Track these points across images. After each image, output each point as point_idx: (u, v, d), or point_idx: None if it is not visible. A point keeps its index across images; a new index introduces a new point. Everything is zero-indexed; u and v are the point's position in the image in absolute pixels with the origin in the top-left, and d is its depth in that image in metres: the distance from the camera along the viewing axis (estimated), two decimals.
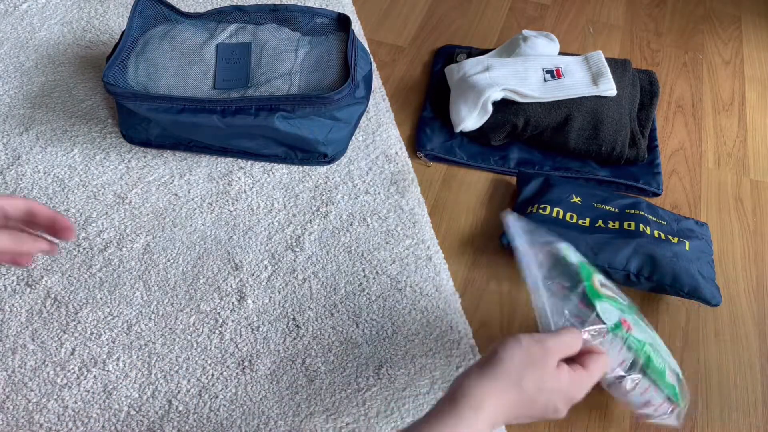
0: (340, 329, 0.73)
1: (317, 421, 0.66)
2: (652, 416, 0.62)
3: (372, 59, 0.98)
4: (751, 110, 1.03)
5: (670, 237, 0.77)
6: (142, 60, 0.85)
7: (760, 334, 0.77)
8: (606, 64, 0.94)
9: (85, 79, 0.97)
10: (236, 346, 0.71)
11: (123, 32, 0.88)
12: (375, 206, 0.84)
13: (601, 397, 0.71)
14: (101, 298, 0.74)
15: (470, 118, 0.90)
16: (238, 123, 0.81)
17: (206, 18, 0.92)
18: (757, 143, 0.99)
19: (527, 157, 0.92)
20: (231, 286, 0.76)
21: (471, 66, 0.95)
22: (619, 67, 0.96)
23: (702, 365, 0.74)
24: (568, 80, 0.92)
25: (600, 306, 0.56)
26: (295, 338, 0.72)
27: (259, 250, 0.79)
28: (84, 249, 0.78)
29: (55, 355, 0.69)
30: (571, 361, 0.54)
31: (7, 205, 0.52)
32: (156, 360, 0.70)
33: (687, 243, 0.77)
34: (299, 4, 1.02)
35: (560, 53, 1.01)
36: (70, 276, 0.75)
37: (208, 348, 0.71)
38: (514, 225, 0.60)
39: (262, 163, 0.88)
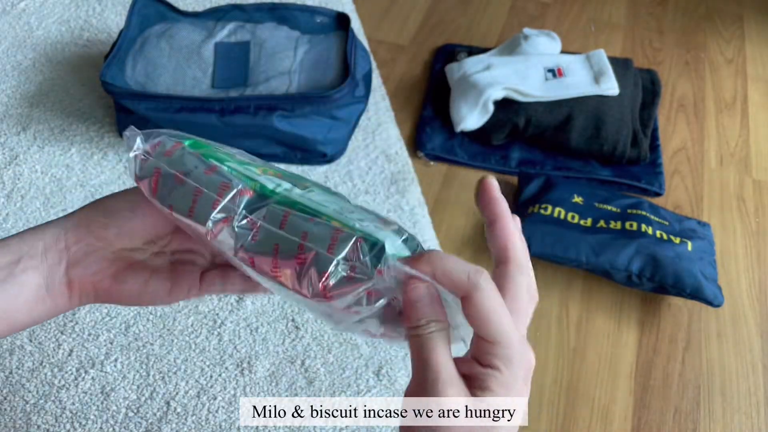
0: None
1: (317, 423, 0.66)
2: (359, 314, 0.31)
3: (372, 58, 0.97)
4: (754, 109, 1.03)
5: (672, 237, 0.77)
6: (140, 59, 0.85)
7: (762, 334, 0.76)
8: (608, 62, 0.93)
9: (83, 78, 0.96)
10: (235, 347, 0.71)
11: (121, 31, 0.87)
12: (375, 206, 0.84)
13: (603, 395, 0.70)
14: None
15: (471, 117, 0.90)
16: (237, 122, 0.80)
17: (205, 16, 0.91)
18: (760, 142, 0.98)
19: (528, 156, 0.91)
20: None
21: (472, 65, 0.94)
22: (620, 66, 0.96)
23: (704, 366, 0.74)
24: (570, 79, 0.91)
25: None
26: (294, 339, 0.72)
27: None
28: None
29: (53, 356, 0.69)
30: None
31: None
32: (154, 361, 0.69)
33: (689, 243, 0.77)
34: (298, 2, 1.02)
35: (561, 52, 1.01)
36: None
37: (207, 349, 0.70)
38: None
39: None
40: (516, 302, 0.30)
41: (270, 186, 0.34)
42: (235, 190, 0.33)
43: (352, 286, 0.29)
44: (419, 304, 0.30)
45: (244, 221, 0.33)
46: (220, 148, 0.38)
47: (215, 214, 0.33)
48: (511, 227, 0.32)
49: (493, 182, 0.32)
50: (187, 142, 0.37)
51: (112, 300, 0.39)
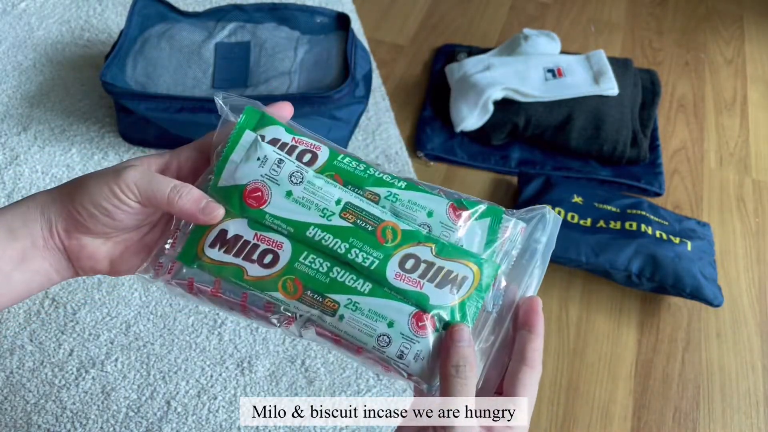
0: None
1: (317, 423, 0.66)
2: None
3: (372, 58, 0.98)
4: (753, 109, 1.03)
5: (671, 237, 0.77)
6: (140, 59, 0.85)
7: (762, 334, 0.76)
8: (607, 63, 0.93)
9: (84, 78, 0.96)
10: (235, 347, 0.71)
11: (121, 31, 0.87)
12: None
13: (603, 395, 0.70)
14: (99, 299, 0.73)
15: (471, 118, 0.90)
16: None
17: (205, 17, 0.91)
18: (759, 143, 0.98)
19: (528, 156, 0.91)
20: None
21: (472, 65, 0.94)
22: (620, 66, 0.96)
23: (704, 366, 0.74)
24: (570, 79, 0.91)
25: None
26: (294, 339, 0.72)
27: None
28: None
29: (54, 356, 0.69)
30: None
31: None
32: (154, 361, 0.69)
33: (689, 243, 0.77)
34: (298, 2, 1.02)
35: (561, 52, 1.01)
36: None
37: (207, 349, 0.70)
38: None
39: None
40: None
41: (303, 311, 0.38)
42: (281, 313, 0.38)
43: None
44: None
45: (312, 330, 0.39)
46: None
47: (276, 318, 0.39)
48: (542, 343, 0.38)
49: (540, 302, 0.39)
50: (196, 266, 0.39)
51: (116, 275, 0.42)
